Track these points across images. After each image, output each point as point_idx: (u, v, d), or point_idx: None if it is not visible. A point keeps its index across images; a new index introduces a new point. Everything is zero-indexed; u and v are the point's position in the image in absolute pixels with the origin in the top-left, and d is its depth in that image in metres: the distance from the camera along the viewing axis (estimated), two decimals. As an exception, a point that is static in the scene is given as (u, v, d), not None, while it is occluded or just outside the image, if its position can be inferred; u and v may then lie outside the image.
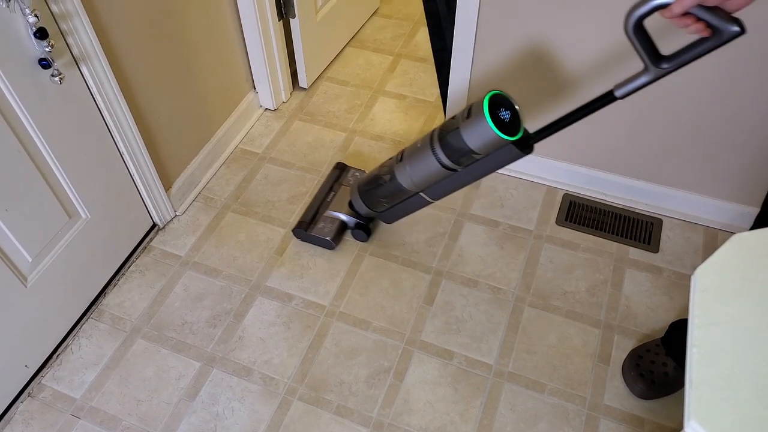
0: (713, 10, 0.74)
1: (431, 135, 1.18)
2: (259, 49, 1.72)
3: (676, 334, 1.24)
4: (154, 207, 1.52)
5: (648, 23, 0.80)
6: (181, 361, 1.33)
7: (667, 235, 1.52)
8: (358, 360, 1.32)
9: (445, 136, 1.12)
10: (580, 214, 1.57)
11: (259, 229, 1.58)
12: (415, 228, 1.57)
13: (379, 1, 2.27)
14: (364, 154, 1.76)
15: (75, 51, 1.15)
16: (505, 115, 1.05)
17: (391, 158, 1.31)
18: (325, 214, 1.53)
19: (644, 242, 1.51)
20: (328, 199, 1.56)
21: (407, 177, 1.23)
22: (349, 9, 2.05)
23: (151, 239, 1.56)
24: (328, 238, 1.49)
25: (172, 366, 1.33)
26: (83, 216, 1.32)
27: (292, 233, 1.55)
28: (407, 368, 1.31)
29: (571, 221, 1.56)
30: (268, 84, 1.81)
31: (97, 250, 1.39)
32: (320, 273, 1.48)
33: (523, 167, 1.64)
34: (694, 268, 1.46)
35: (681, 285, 1.43)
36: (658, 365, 1.24)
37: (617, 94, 0.92)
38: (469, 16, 1.36)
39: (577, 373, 1.29)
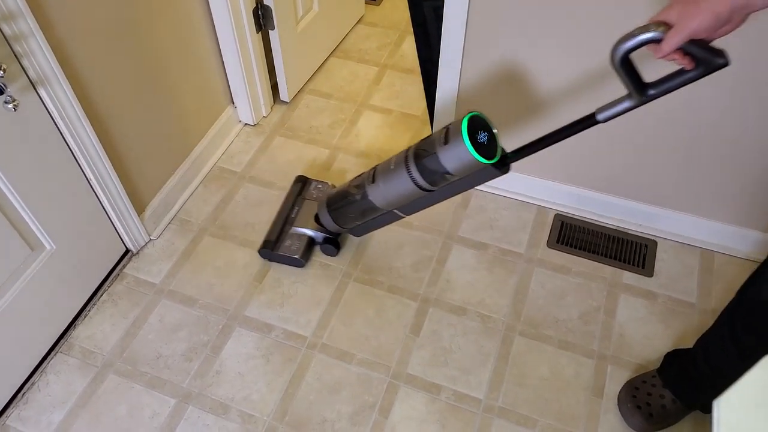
0: (699, 43, 0.73)
1: (405, 156, 1.16)
2: (236, 62, 1.64)
3: (673, 364, 1.19)
4: (126, 232, 1.44)
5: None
6: (156, 397, 1.26)
7: (661, 258, 1.47)
8: (341, 395, 1.26)
9: (422, 159, 1.11)
10: (572, 235, 1.52)
11: (238, 254, 1.51)
12: (401, 252, 1.50)
13: (364, 9, 2.19)
14: (349, 172, 1.69)
15: (31, 74, 1.07)
16: (483, 137, 1.04)
17: (361, 174, 1.29)
18: (291, 231, 1.47)
19: (638, 265, 1.45)
20: (293, 215, 1.50)
21: (380, 196, 1.23)
22: (332, 18, 1.98)
23: (124, 266, 1.48)
24: (296, 256, 1.42)
25: (146, 403, 1.26)
26: (48, 247, 1.24)
27: (258, 254, 1.48)
28: (393, 404, 1.25)
29: (562, 243, 1.50)
30: (247, 98, 1.73)
31: (65, 281, 1.31)
32: (302, 301, 1.41)
33: (514, 187, 1.58)
34: (690, 292, 1.41)
35: (676, 311, 1.38)
36: (656, 397, 1.20)
37: (599, 117, 0.90)
38: (456, 27, 1.28)
39: (569, 406, 1.24)
